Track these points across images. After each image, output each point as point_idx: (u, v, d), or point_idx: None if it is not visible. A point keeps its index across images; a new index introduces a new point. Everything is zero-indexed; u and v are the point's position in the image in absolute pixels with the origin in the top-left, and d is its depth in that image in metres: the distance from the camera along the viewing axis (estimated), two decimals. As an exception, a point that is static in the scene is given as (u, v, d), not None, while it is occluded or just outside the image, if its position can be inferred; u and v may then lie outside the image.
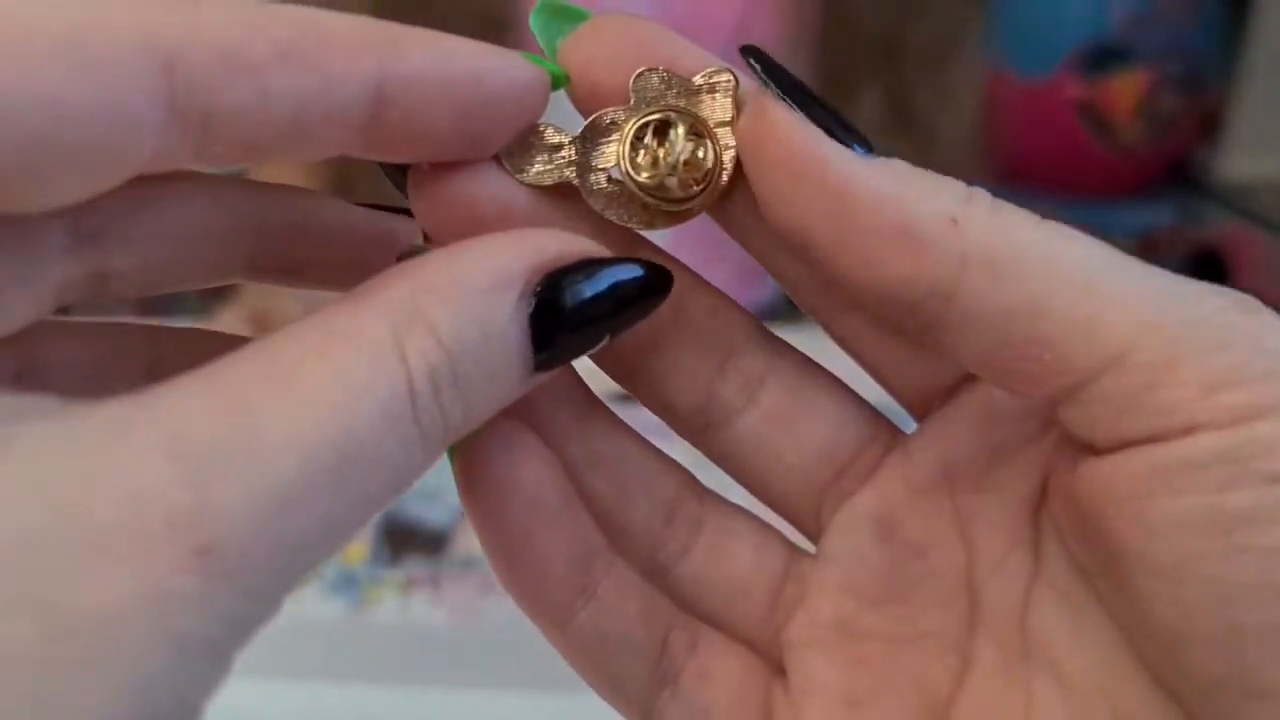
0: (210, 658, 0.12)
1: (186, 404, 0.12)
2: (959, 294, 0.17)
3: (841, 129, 0.17)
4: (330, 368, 0.13)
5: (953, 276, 0.17)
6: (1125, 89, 1.51)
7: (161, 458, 0.12)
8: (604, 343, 0.16)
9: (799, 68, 0.70)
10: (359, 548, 0.45)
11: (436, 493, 0.43)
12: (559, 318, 0.14)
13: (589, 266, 0.15)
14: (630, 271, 0.15)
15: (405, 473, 0.14)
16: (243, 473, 0.12)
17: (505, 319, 0.14)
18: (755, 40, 0.65)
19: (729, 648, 0.22)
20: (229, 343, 0.18)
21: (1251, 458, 0.16)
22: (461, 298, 0.14)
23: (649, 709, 0.22)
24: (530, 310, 0.14)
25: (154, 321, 0.19)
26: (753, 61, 0.18)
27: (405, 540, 0.44)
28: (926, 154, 0.71)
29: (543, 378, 0.15)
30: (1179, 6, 1.47)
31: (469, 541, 0.44)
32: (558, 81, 0.18)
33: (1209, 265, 1.75)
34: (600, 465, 0.21)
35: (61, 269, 0.16)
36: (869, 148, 0.17)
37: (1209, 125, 1.69)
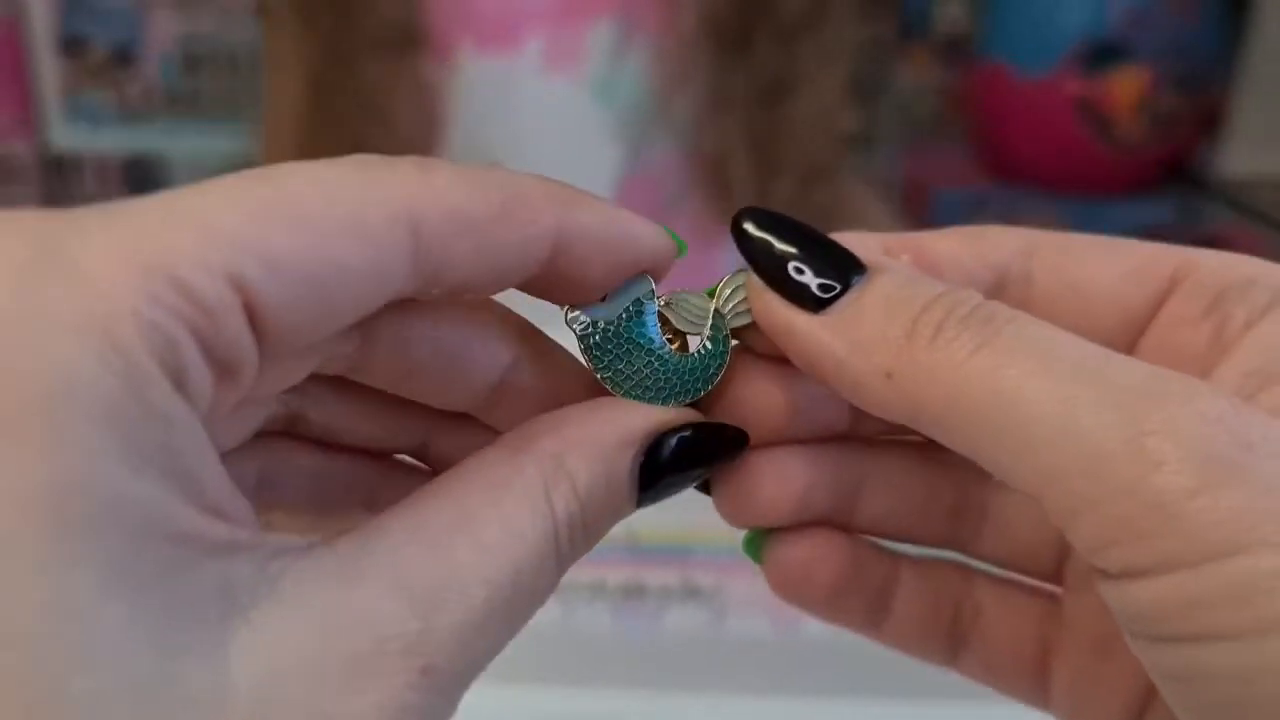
0: None
1: (401, 549, 0.15)
2: (927, 432, 0.18)
3: (809, 263, 0.19)
4: (502, 516, 0.16)
5: (910, 420, 0.18)
6: (1125, 86, 1.51)
7: (391, 596, 0.15)
8: (693, 484, 0.19)
9: (682, 24, 0.69)
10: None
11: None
12: (662, 469, 0.18)
13: (686, 429, 0.18)
14: (716, 435, 0.19)
15: (546, 596, 0.17)
16: (451, 607, 0.15)
17: (625, 471, 0.17)
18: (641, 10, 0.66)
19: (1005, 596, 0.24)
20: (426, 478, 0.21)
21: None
22: (596, 455, 0.17)
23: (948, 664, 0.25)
24: (641, 462, 0.17)
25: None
26: (746, 227, 0.21)
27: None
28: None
29: (639, 509, 0.18)
30: (1179, 4, 1.47)
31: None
32: (681, 249, 0.20)
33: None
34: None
35: (274, 406, 0.19)
36: (842, 271, 0.19)
37: (1209, 123, 1.68)
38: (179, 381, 0.13)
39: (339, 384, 0.19)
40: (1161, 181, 1.65)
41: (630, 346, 0.19)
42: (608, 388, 0.19)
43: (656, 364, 0.19)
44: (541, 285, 0.18)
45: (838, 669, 0.40)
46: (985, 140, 1.64)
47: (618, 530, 0.45)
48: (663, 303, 0.20)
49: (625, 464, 0.17)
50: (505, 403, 0.19)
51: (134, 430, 0.13)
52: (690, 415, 0.18)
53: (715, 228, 0.77)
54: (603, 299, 0.19)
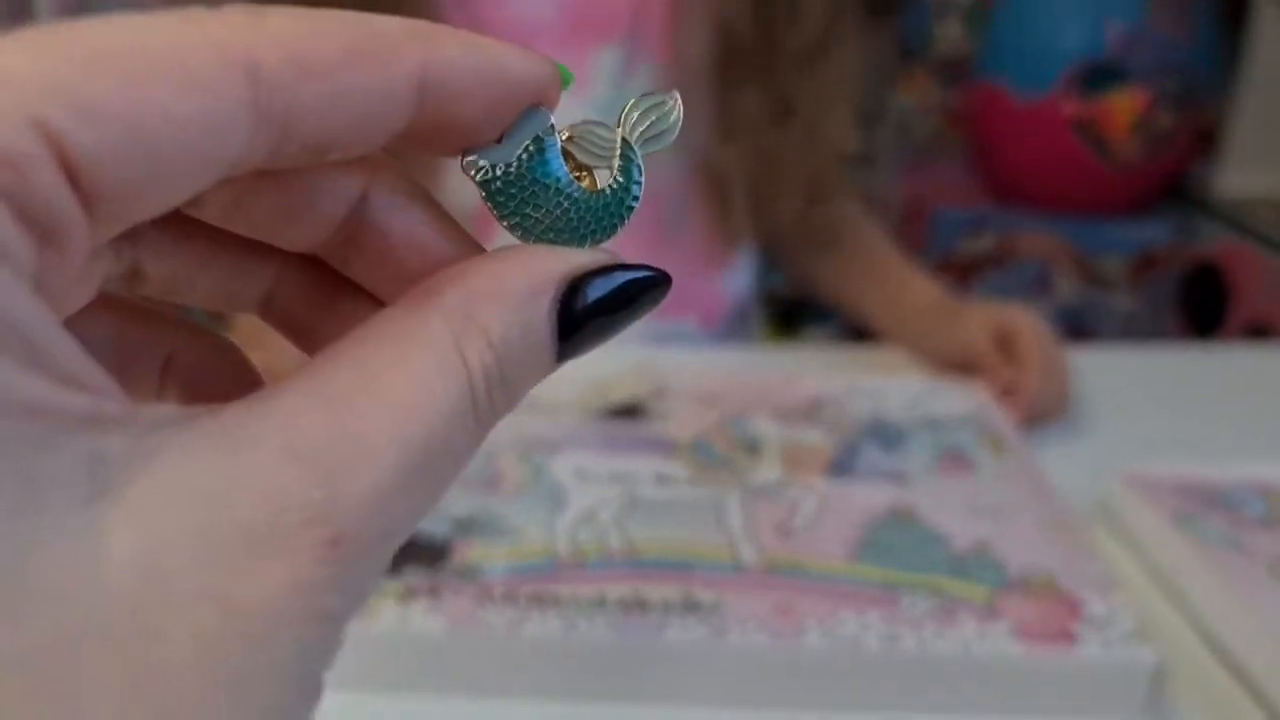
0: (340, 630, 0.14)
1: (299, 412, 0.14)
2: None
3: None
4: (410, 374, 0.15)
5: None
6: (1122, 107, 1.51)
7: (288, 462, 0.13)
8: (617, 333, 0.18)
9: (689, 50, 0.70)
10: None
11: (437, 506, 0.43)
12: (582, 316, 0.16)
13: (605, 271, 0.17)
14: (637, 274, 0.17)
15: (466, 458, 0.15)
16: (358, 472, 0.14)
17: (543, 320, 0.16)
18: (648, 24, 0.67)
19: None
20: (237, 351, 0.20)
21: None
22: (509, 304, 0.16)
23: None
24: (558, 310, 0.16)
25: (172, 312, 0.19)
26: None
27: (404, 551, 0.44)
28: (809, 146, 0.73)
29: (562, 364, 0.17)
30: (1173, 25, 1.47)
31: (467, 552, 0.44)
32: (567, 79, 0.18)
33: (1207, 280, 1.75)
34: None
35: (109, 263, 0.17)
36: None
37: (1206, 142, 1.69)
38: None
39: (176, 229, 0.18)
40: (1159, 200, 1.66)
41: (535, 188, 0.17)
42: (515, 236, 0.17)
43: (566, 203, 0.17)
44: (423, 136, 0.16)
45: (837, 683, 0.40)
46: (984, 160, 1.65)
47: (618, 544, 0.45)
48: (565, 137, 0.18)
49: (542, 312, 0.16)
50: (359, 246, 0.17)
51: None
52: (606, 257, 0.17)
53: (719, 245, 0.79)
54: (499, 141, 0.17)
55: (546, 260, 0.16)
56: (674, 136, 0.19)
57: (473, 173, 0.17)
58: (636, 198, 0.18)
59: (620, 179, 0.18)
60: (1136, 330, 1.67)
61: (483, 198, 0.17)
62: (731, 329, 0.83)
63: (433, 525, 0.46)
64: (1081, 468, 0.56)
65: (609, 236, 0.18)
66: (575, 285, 0.16)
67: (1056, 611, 0.42)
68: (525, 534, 0.45)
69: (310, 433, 0.14)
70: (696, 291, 0.79)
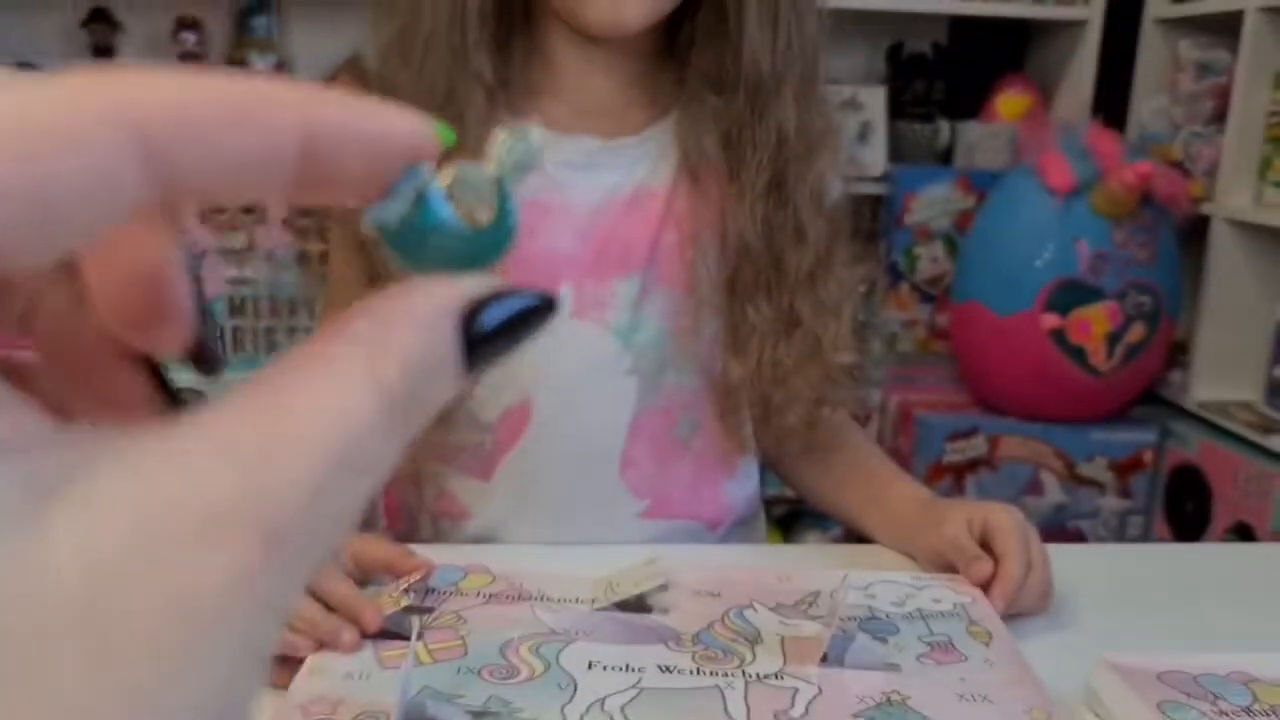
0: (280, 617, 0.15)
1: (228, 420, 0.15)
2: None
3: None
4: (329, 388, 0.16)
5: None
6: (1095, 321, 1.59)
7: (219, 461, 0.15)
8: (515, 347, 0.19)
9: (703, 275, 0.76)
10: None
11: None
12: (483, 335, 0.18)
13: (498, 296, 0.18)
14: (528, 299, 0.19)
15: (387, 466, 0.17)
16: (285, 469, 0.15)
17: (448, 339, 0.17)
18: (667, 256, 0.73)
19: None
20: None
21: None
22: (416, 327, 0.17)
23: None
24: (461, 332, 0.18)
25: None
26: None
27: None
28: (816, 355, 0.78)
29: (469, 379, 0.19)
30: (1137, 246, 1.57)
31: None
32: (448, 138, 0.20)
33: (1189, 482, 1.77)
34: None
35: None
36: None
37: (1178, 352, 1.75)
38: None
39: None
40: (1138, 407, 1.70)
41: (426, 233, 0.19)
42: (416, 276, 0.19)
43: (456, 242, 0.19)
44: (310, 189, 0.17)
45: None
46: (968, 371, 1.71)
47: None
48: (445, 185, 0.19)
49: (446, 334, 0.17)
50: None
51: None
52: (499, 283, 0.18)
53: (728, 453, 0.83)
54: (385, 196, 0.19)
55: (447, 289, 0.18)
56: (540, 161, 0.20)
57: (370, 229, 0.19)
58: (514, 225, 0.20)
59: (498, 211, 0.20)
60: (1126, 531, 1.68)
61: (383, 248, 0.19)
62: (738, 532, 0.85)
63: (450, 715, 0.48)
64: (1066, 657, 0.58)
65: (497, 262, 0.20)
66: (474, 309, 0.18)
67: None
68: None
69: (239, 435, 0.15)
70: (705, 495, 0.82)
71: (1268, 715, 0.52)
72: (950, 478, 1.63)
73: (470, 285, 0.18)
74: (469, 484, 0.81)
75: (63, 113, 0.14)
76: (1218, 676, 0.55)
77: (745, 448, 0.84)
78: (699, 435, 0.80)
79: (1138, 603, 0.69)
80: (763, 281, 0.78)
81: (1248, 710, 0.52)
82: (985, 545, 0.67)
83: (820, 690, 0.50)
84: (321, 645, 0.54)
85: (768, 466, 0.90)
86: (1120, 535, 1.68)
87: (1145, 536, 1.68)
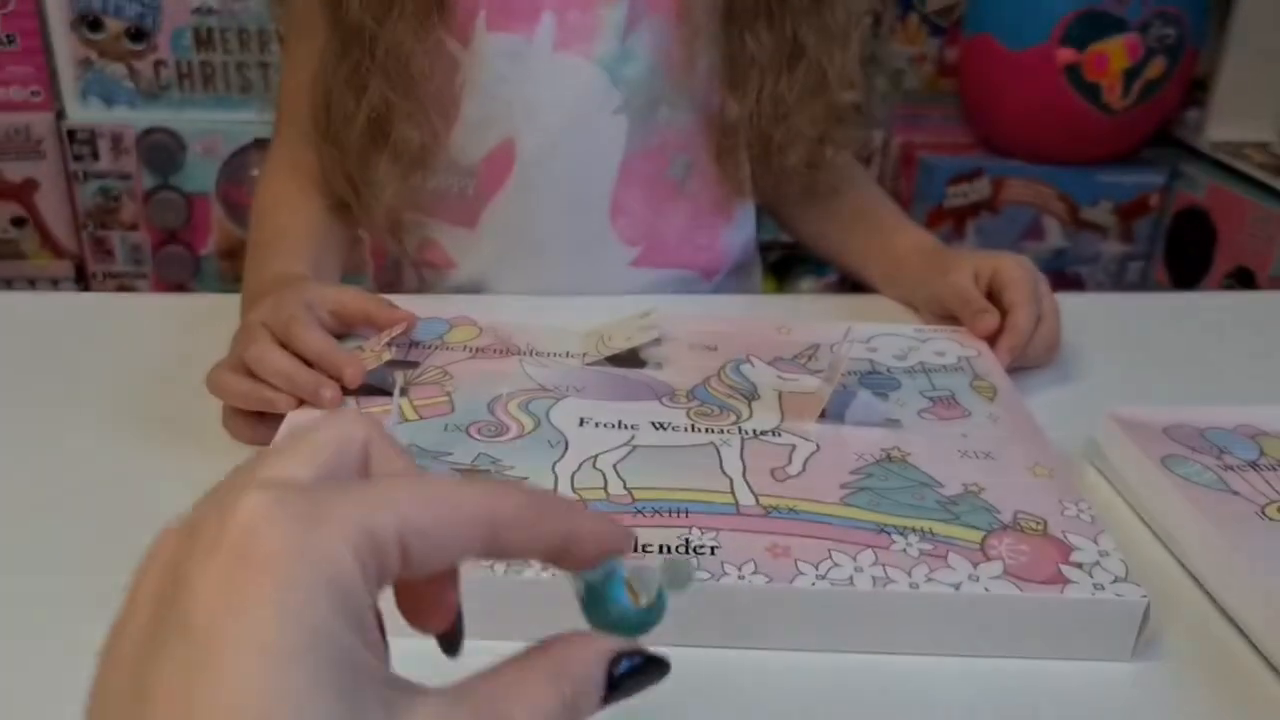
0: None
1: (481, 695, 0.24)
2: None
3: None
4: (535, 691, 0.25)
5: None
6: (1113, 56, 1.49)
7: (471, 715, 0.24)
8: (643, 688, 0.27)
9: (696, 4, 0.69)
10: None
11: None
12: (620, 677, 0.26)
13: (635, 653, 0.26)
14: (652, 659, 0.27)
15: None
16: None
17: (600, 675, 0.26)
18: None
19: None
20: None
21: None
22: (585, 664, 0.26)
23: None
24: (605, 672, 0.26)
25: None
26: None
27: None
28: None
29: (608, 702, 0.26)
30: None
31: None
32: (634, 544, 0.29)
33: (1194, 225, 1.73)
34: None
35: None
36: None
37: (1196, 89, 1.66)
38: (370, 589, 0.23)
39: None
40: (1148, 147, 1.64)
41: (608, 603, 0.28)
42: (592, 627, 0.28)
43: (621, 612, 0.28)
44: (556, 560, 0.26)
45: (830, 623, 0.40)
46: (976, 109, 1.62)
47: (617, 489, 0.44)
48: (628, 573, 0.28)
49: (601, 670, 0.26)
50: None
51: (348, 603, 0.22)
52: (638, 645, 0.27)
53: (725, 197, 0.78)
54: (594, 569, 0.28)
55: (606, 643, 0.26)
56: (691, 585, 0.29)
57: (576, 589, 0.28)
58: (662, 614, 0.28)
59: (655, 606, 0.28)
60: (1124, 276, 1.66)
61: (580, 601, 0.28)
62: (733, 281, 0.81)
63: (437, 473, 0.45)
64: (1070, 412, 0.56)
65: (641, 634, 0.28)
66: (618, 658, 0.26)
67: (1047, 554, 0.42)
68: (526, 480, 0.45)
69: (484, 705, 0.24)
70: (700, 242, 0.78)
71: (1274, 469, 0.50)
72: (951, 222, 1.59)
73: (620, 644, 0.26)
74: (454, 232, 0.76)
75: (458, 508, 0.24)
76: (1224, 430, 0.53)
77: (743, 191, 0.78)
78: (694, 177, 0.75)
79: (1142, 355, 0.67)
80: (763, 5, 0.70)
81: (1254, 464, 0.50)
82: (992, 297, 0.63)
83: (818, 447, 0.48)
84: (301, 402, 0.51)
85: (765, 211, 0.84)
86: (1119, 281, 1.66)
87: (1144, 282, 1.66)
